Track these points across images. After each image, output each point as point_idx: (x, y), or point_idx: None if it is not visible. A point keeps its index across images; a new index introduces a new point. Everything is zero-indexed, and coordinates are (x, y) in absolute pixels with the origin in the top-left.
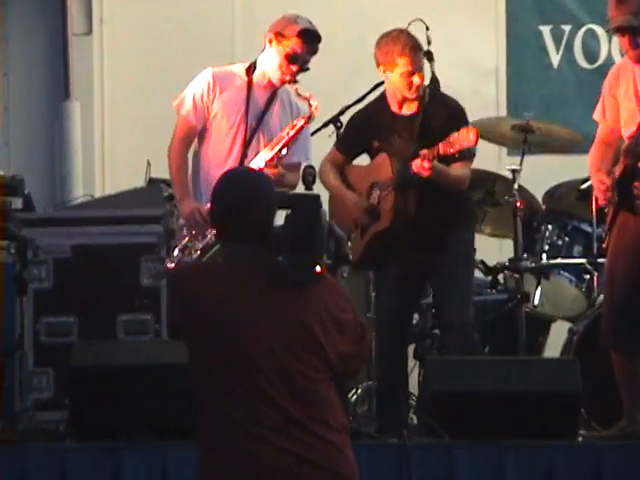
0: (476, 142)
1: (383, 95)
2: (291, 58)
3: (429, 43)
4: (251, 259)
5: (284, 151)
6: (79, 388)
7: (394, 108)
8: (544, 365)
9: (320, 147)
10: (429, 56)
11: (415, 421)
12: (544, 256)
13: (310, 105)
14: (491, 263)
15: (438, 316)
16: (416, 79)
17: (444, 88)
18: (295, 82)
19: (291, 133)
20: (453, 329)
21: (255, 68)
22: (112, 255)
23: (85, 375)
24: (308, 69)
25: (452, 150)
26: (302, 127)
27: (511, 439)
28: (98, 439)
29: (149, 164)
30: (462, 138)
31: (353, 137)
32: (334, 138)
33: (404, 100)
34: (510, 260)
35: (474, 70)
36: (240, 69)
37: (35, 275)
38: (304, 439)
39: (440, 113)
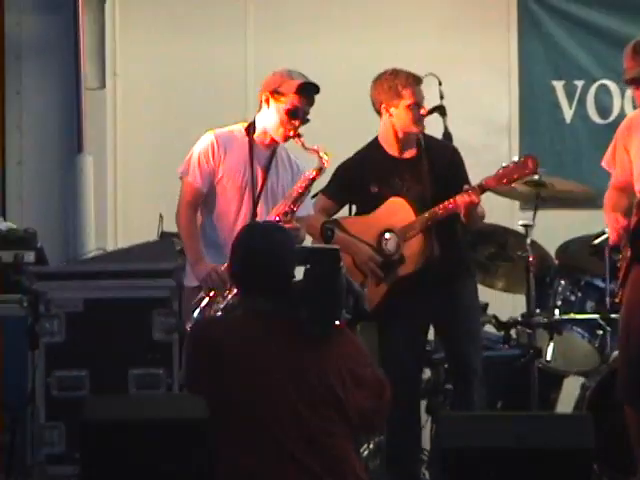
0: (536, 170)
1: (376, 141)
2: (292, 113)
3: (442, 98)
4: (271, 313)
5: (297, 205)
6: (91, 442)
7: (392, 152)
8: (557, 421)
9: None
10: (442, 111)
11: (427, 477)
12: (557, 311)
13: (320, 157)
14: (504, 318)
15: (456, 363)
16: (422, 111)
17: (457, 143)
18: (299, 136)
19: (304, 187)
20: (475, 377)
21: (255, 127)
22: (124, 309)
23: (97, 429)
24: (308, 120)
25: (509, 180)
26: (314, 179)
27: None
28: None
29: (161, 218)
30: (522, 167)
31: (346, 184)
32: None
33: (405, 139)
34: (523, 315)
35: (487, 125)
36: (240, 129)
37: (47, 329)
38: None
39: (443, 153)
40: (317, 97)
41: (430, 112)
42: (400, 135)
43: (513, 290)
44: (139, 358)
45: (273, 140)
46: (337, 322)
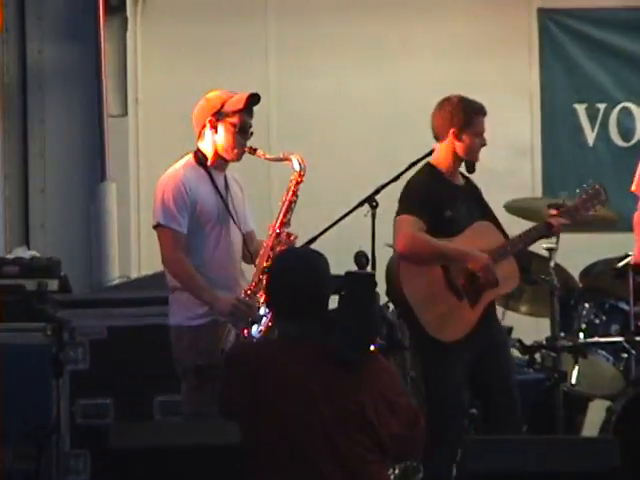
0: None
1: (433, 167)
2: (243, 130)
3: None
4: (306, 338)
5: (291, 214)
6: (116, 470)
7: (450, 177)
8: (582, 444)
9: (358, 226)
10: None
11: None
12: (581, 335)
13: (292, 160)
14: (528, 342)
15: (499, 395)
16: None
17: (479, 166)
18: (255, 150)
19: (293, 193)
20: (517, 411)
21: (203, 156)
22: (148, 336)
23: (122, 457)
24: (252, 133)
25: (586, 209)
26: (299, 183)
27: None
28: None
29: None
30: (595, 196)
31: (430, 205)
32: (370, 218)
33: (457, 166)
34: (547, 339)
35: (509, 149)
36: (190, 162)
37: (71, 357)
38: None
39: (472, 181)
40: (337, 121)
41: None
42: (458, 162)
43: (537, 314)
44: (164, 385)
45: (223, 164)
46: (371, 348)
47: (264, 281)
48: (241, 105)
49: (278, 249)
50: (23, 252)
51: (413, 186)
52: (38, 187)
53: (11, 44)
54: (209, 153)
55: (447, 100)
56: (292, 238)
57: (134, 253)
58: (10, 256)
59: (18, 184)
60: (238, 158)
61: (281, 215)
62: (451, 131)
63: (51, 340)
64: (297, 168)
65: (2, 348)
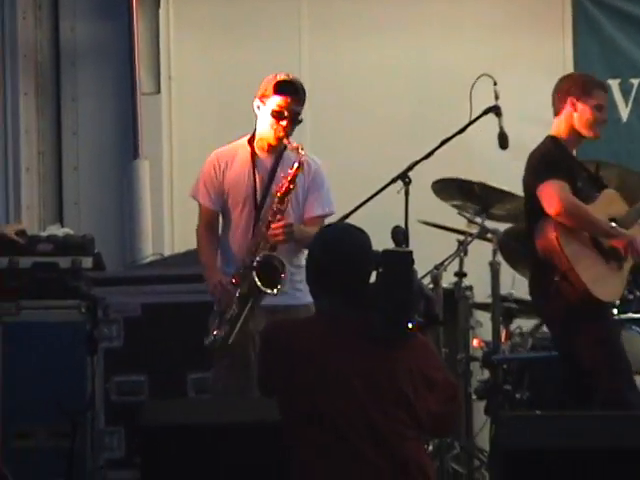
0: None
1: (555, 138)
2: (277, 115)
3: (497, 98)
4: (344, 315)
5: (285, 204)
6: (150, 447)
7: (570, 149)
8: (623, 420)
9: (389, 203)
10: (497, 111)
11: (487, 478)
12: (615, 311)
13: (299, 153)
14: None
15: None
16: (604, 116)
17: (512, 143)
18: (287, 137)
19: (287, 183)
20: None
21: (254, 136)
22: (182, 313)
23: (156, 434)
24: (300, 121)
25: None
26: (295, 175)
27: None
28: None
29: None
30: None
31: (566, 173)
32: (403, 195)
33: (575, 138)
34: None
35: (543, 125)
36: (243, 143)
37: (106, 334)
38: None
39: None
40: (369, 99)
41: (485, 112)
42: (575, 135)
43: None
44: (197, 362)
45: (271, 145)
46: (409, 325)
47: (247, 274)
48: (272, 90)
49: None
50: (57, 230)
51: (545, 154)
52: (71, 164)
53: (44, 22)
54: (257, 134)
55: (568, 74)
56: (281, 226)
57: (167, 230)
58: (44, 234)
59: (52, 162)
60: (275, 142)
61: (273, 204)
62: (569, 100)
63: (85, 317)
64: (298, 160)
65: (36, 326)
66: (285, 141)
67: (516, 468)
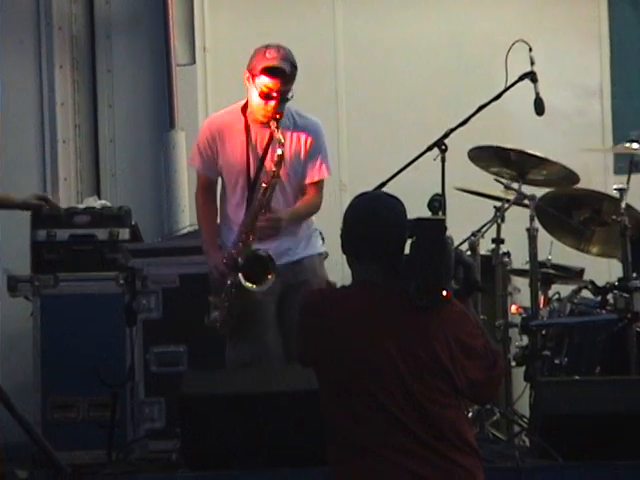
0: None
1: None
2: (266, 96)
3: (533, 64)
4: (380, 285)
5: (266, 196)
6: (190, 417)
7: None
8: None
9: (426, 171)
10: (533, 77)
11: (528, 444)
12: None
13: (276, 136)
14: (600, 283)
15: None
16: None
17: (548, 108)
18: (276, 119)
19: (267, 180)
20: None
21: (245, 107)
22: None
23: (196, 404)
24: (288, 99)
25: None
26: (277, 170)
27: (625, 460)
28: (211, 468)
29: None
30: None
31: None
32: (439, 162)
33: None
34: (619, 280)
35: (578, 90)
36: (237, 110)
37: (144, 305)
38: (433, 460)
39: None
40: (404, 67)
41: (521, 78)
42: None
43: (609, 255)
44: None
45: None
46: (444, 293)
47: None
48: (260, 71)
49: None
50: (94, 202)
51: None
52: (108, 137)
53: None
54: (249, 106)
55: None
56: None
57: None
58: (81, 206)
59: (88, 134)
60: (264, 119)
61: (260, 195)
62: None
63: (123, 289)
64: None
65: (75, 298)
66: (272, 124)
67: (556, 433)
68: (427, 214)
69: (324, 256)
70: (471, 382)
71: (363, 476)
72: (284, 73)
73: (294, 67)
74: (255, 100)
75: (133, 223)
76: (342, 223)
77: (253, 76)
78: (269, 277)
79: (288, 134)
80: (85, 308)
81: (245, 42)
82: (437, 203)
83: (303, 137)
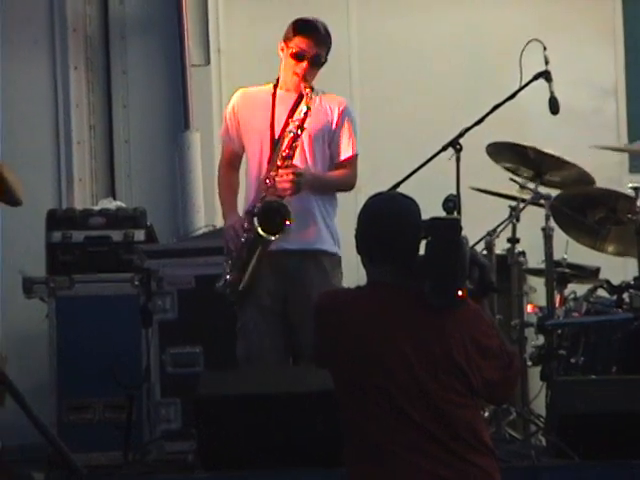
0: None
1: None
2: (297, 56)
3: (547, 63)
4: (395, 285)
5: (294, 149)
6: (206, 418)
7: None
8: None
9: (441, 171)
10: (547, 76)
11: (544, 443)
12: None
13: (305, 94)
14: (616, 282)
15: None
16: None
17: (563, 107)
18: (305, 79)
19: (297, 127)
20: None
21: (277, 80)
22: None
23: (212, 405)
24: (322, 63)
25: None
26: (303, 120)
27: None
28: (227, 468)
29: None
30: None
31: None
32: (454, 161)
33: None
34: (635, 279)
35: (593, 89)
36: (269, 87)
37: (160, 306)
38: (448, 460)
39: None
40: (419, 66)
41: (535, 78)
42: None
43: (624, 253)
44: None
45: (292, 89)
46: (459, 293)
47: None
48: (292, 32)
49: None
50: (109, 203)
51: None
52: (122, 138)
53: None
54: (281, 77)
55: None
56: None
57: (219, 202)
58: (96, 207)
59: (103, 135)
60: (296, 84)
61: (282, 149)
62: None
63: (139, 290)
64: (307, 105)
65: (90, 299)
66: (302, 83)
67: (572, 432)
68: (442, 214)
69: (337, 257)
70: (486, 382)
71: (378, 476)
72: (318, 32)
73: (328, 34)
74: (287, 63)
75: (148, 224)
76: (357, 224)
77: (287, 42)
78: (286, 224)
79: (316, 100)
80: (100, 309)
81: (259, 43)
82: (452, 203)
83: (333, 106)
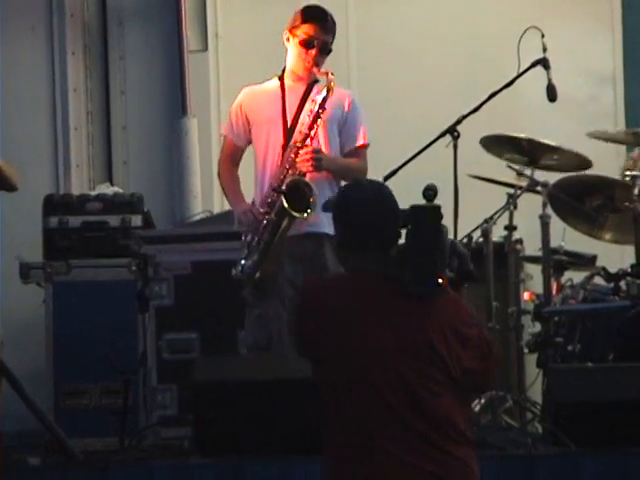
0: None
1: None
2: (305, 43)
3: (545, 50)
4: (375, 273)
5: (315, 129)
6: (202, 404)
7: None
8: None
9: (438, 158)
10: (545, 64)
11: (540, 431)
12: None
13: (328, 78)
14: (613, 270)
15: None
16: None
17: (561, 95)
18: (317, 66)
19: (316, 109)
20: None
21: (283, 71)
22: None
23: (208, 391)
24: (330, 51)
25: None
26: (325, 99)
27: (638, 447)
28: (222, 454)
29: None
30: None
31: None
32: (451, 148)
33: None
34: (632, 266)
35: (591, 76)
36: (274, 79)
37: (156, 292)
38: (428, 452)
39: None
40: (416, 54)
41: (533, 65)
42: None
43: (622, 241)
44: None
45: (299, 77)
46: (440, 281)
47: (271, 200)
48: (300, 19)
49: (296, 164)
50: (106, 189)
51: None
52: (120, 124)
53: None
54: (287, 67)
55: None
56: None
57: (216, 188)
58: (93, 193)
59: (100, 121)
60: (305, 72)
61: (301, 130)
62: None
63: (136, 276)
64: (328, 86)
65: (87, 285)
66: (314, 70)
67: (568, 420)
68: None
69: None
70: (465, 371)
71: (363, 472)
72: (324, 18)
73: (333, 22)
74: (296, 52)
75: (145, 210)
76: (337, 212)
77: (293, 31)
78: (311, 200)
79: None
80: (97, 295)
81: (257, 29)
82: (432, 192)
83: (342, 98)
